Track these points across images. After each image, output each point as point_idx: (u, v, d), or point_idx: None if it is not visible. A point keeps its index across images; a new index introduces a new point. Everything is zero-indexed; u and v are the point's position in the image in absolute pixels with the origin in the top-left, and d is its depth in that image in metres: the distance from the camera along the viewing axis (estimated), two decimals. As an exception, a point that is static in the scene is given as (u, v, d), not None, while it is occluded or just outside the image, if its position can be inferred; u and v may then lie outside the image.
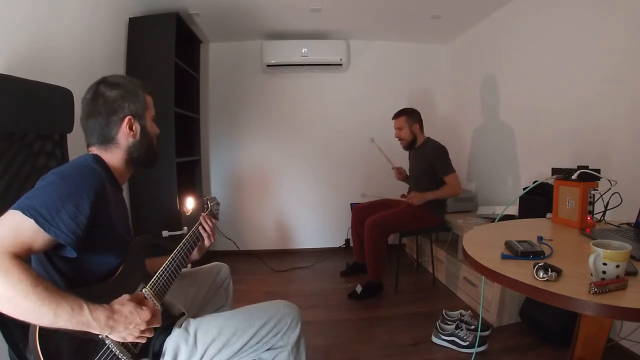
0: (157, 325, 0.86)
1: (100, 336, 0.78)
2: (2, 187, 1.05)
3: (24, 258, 0.71)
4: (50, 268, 0.83)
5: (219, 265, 1.36)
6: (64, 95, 1.31)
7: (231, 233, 3.32)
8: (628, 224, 1.26)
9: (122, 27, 2.34)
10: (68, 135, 1.34)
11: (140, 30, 2.40)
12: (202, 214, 1.19)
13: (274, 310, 1.04)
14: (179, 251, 1.06)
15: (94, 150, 0.97)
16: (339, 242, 3.53)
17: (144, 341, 0.84)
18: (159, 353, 0.91)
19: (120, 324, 0.77)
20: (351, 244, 2.93)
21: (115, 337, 0.79)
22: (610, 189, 1.28)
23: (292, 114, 3.45)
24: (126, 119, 0.96)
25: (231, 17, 2.78)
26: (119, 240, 0.94)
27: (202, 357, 0.92)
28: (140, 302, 0.84)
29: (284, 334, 1.02)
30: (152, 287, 0.94)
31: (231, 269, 1.40)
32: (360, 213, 2.63)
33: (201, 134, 3.21)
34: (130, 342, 0.83)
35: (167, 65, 2.41)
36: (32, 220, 0.72)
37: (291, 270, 3.01)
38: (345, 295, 2.43)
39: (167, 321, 0.94)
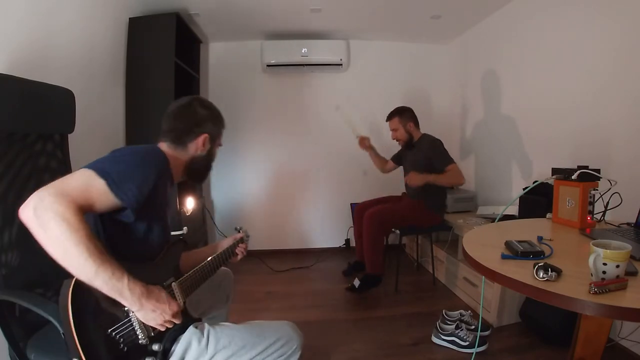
0: (178, 322, 0.90)
1: (125, 308, 0.82)
2: (3, 187, 1.06)
3: (83, 213, 0.76)
4: (102, 234, 0.88)
5: None
6: (65, 96, 1.32)
7: (231, 233, 3.32)
8: (628, 224, 1.26)
9: (122, 27, 2.34)
10: (69, 135, 1.34)
11: (140, 30, 2.40)
12: (241, 244, 1.38)
13: (283, 332, 1.05)
14: (212, 261, 1.17)
15: (163, 145, 1.07)
16: (339, 242, 3.53)
17: (163, 329, 0.87)
18: (169, 348, 0.91)
19: (150, 304, 0.81)
20: (352, 244, 2.93)
21: (140, 315, 0.82)
22: (610, 189, 1.28)
23: (292, 114, 3.45)
24: (204, 135, 1.10)
25: (231, 17, 2.78)
26: (166, 222, 1.04)
27: None
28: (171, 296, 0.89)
29: (287, 357, 1.04)
30: (181, 283, 0.99)
31: (231, 268, 1.40)
32: (362, 211, 2.62)
33: (201, 134, 3.21)
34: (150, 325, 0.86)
35: (167, 65, 2.41)
36: (103, 181, 0.79)
37: (291, 270, 3.01)
38: (345, 295, 2.43)
39: (184, 321, 0.96)
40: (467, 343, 1.76)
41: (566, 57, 2.06)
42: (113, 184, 0.79)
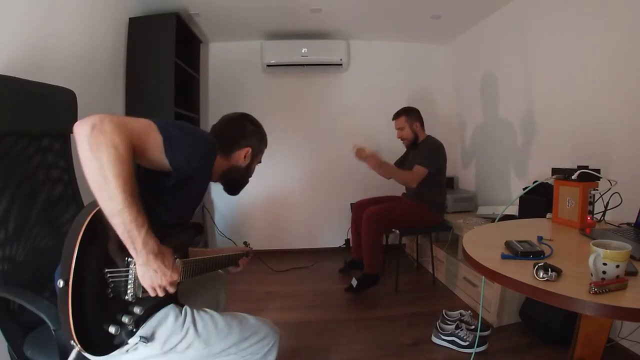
0: (171, 292, 0.88)
1: (128, 259, 0.82)
2: (12, 186, 1.07)
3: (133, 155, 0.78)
4: None
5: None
6: (68, 96, 1.33)
7: (231, 233, 3.33)
8: (628, 224, 1.26)
9: (122, 27, 2.35)
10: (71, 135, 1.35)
11: (140, 30, 2.40)
12: (245, 257, 1.40)
13: (261, 327, 1.05)
14: (218, 258, 1.20)
15: None
16: (339, 242, 3.53)
17: (152, 294, 0.85)
18: (145, 318, 0.88)
19: (156, 264, 0.80)
20: (352, 244, 2.93)
21: (140, 271, 0.81)
22: (610, 189, 1.28)
23: (292, 114, 3.45)
24: (247, 148, 1.18)
25: (231, 17, 2.78)
26: (193, 206, 1.09)
27: (180, 340, 0.91)
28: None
29: (264, 355, 1.03)
30: (185, 264, 0.98)
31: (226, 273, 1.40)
32: (361, 209, 2.61)
33: (201, 134, 3.21)
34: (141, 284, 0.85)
35: (167, 65, 2.41)
36: (161, 137, 0.82)
37: (291, 270, 3.01)
38: (345, 295, 2.43)
39: (170, 301, 0.94)
40: (467, 343, 1.76)
41: (566, 57, 2.06)
42: (168, 144, 0.82)
